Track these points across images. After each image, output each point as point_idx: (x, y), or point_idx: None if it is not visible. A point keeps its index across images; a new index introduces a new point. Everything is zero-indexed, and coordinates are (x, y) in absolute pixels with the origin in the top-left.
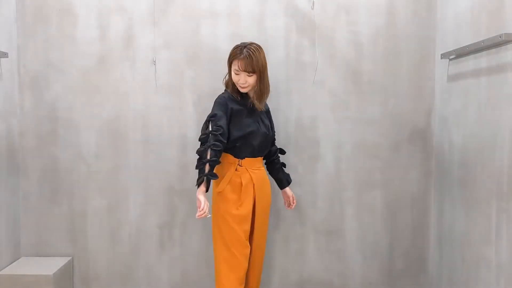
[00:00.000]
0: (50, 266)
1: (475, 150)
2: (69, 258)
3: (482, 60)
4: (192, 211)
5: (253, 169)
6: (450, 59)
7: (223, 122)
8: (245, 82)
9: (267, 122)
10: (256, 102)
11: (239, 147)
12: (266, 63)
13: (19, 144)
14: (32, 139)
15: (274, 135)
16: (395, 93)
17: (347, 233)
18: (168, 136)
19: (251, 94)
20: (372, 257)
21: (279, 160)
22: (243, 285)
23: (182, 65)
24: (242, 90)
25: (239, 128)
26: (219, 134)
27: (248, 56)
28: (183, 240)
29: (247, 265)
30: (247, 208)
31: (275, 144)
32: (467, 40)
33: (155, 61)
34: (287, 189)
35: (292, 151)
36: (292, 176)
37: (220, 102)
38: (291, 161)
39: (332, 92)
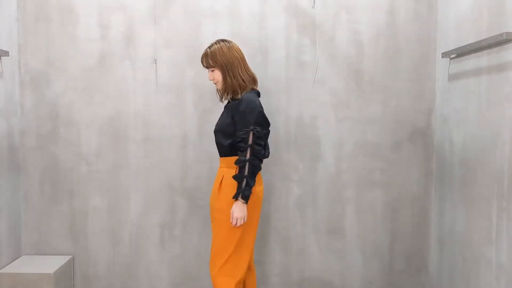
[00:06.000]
0: (51, 264)
1: (476, 150)
2: (70, 256)
3: (483, 59)
4: (192, 209)
5: (219, 168)
6: (451, 58)
7: None
8: (212, 78)
9: (222, 120)
10: (224, 95)
11: None
12: (234, 58)
13: (19, 143)
14: (32, 138)
15: (232, 135)
16: (396, 92)
17: (347, 233)
18: (168, 135)
19: (220, 89)
20: (372, 257)
21: (237, 168)
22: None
23: (183, 64)
24: (217, 87)
25: None
26: None
27: (205, 53)
28: (184, 239)
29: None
30: None
31: (240, 149)
32: (468, 39)
33: (155, 60)
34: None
35: (293, 150)
36: (292, 175)
37: None
38: (291, 160)
39: (332, 91)
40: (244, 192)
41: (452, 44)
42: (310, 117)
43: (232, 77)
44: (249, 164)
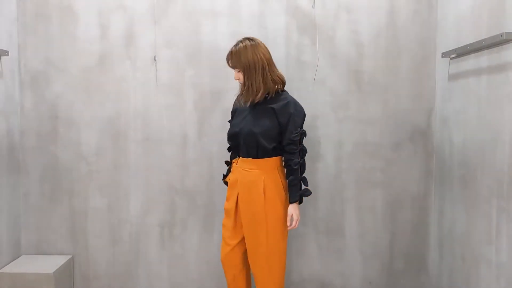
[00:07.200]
0: (51, 264)
1: (476, 150)
2: (70, 256)
3: (483, 59)
4: (192, 209)
5: (243, 169)
6: (451, 58)
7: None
8: (238, 78)
9: (262, 121)
10: (242, 97)
11: (233, 146)
12: (258, 60)
13: (19, 142)
14: (32, 137)
15: (276, 137)
16: (396, 93)
17: (347, 233)
18: (168, 135)
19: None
20: (372, 257)
21: (288, 172)
22: (231, 276)
23: (183, 64)
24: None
25: (229, 129)
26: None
27: (230, 52)
28: (184, 239)
29: (228, 261)
30: (230, 204)
31: (292, 151)
32: (467, 39)
33: (155, 60)
34: (289, 206)
35: None
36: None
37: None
38: None
39: (332, 91)
40: (304, 194)
41: (452, 44)
42: (310, 117)
43: (251, 79)
44: (301, 166)
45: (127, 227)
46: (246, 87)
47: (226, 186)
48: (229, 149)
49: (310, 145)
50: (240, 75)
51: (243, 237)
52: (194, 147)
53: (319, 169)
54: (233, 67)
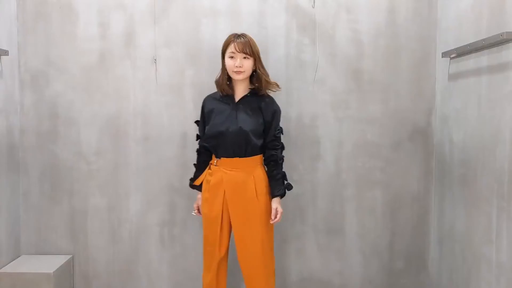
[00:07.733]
0: (51, 264)
1: (476, 149)
2: (70, 256)
3: (483, 59)
4: (191, 208)
5: (228, 170)
6: (451, 58)
7: (200, 128)
8: (241, 65)
9: (252, 119)
10: (263, 89)
11: (213, 146)
12: (259, 53)
13: (19, 141)
14: (32, 136)
15: (262, 135)
16: (396, 92)
17: (347, 232)
18: (168, 134)
19: (242, 88)
20: (372, 256)
21: (272, 167)
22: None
23: (183, 63)
24: (236, 77)
25: (209, 129)
26: (198, 140)
27: (245, 40)
28: (183, 238)
29: (218, 268)
30: (215, 210)
31: (276, 147)
32: (468, 38)
33: (155, 59)
34: (273, 200)
35: (293, 150)
36: (292, 175)
37: (201, 106)
38: (291, 160)
39: (332, 90)
40: (288, 187)
41: (452, 43)
42: (310, 116)
43: (263, 67)
44: (283, 161)
45: (127, 226)
46: (258, 74)
47: (195, 189)
48: (199, 151)
49: (310, 145)
50: (247, 63)
51: (227, 243)
52: (194, 146)
53: (319, 168)
54: (250, 54)
